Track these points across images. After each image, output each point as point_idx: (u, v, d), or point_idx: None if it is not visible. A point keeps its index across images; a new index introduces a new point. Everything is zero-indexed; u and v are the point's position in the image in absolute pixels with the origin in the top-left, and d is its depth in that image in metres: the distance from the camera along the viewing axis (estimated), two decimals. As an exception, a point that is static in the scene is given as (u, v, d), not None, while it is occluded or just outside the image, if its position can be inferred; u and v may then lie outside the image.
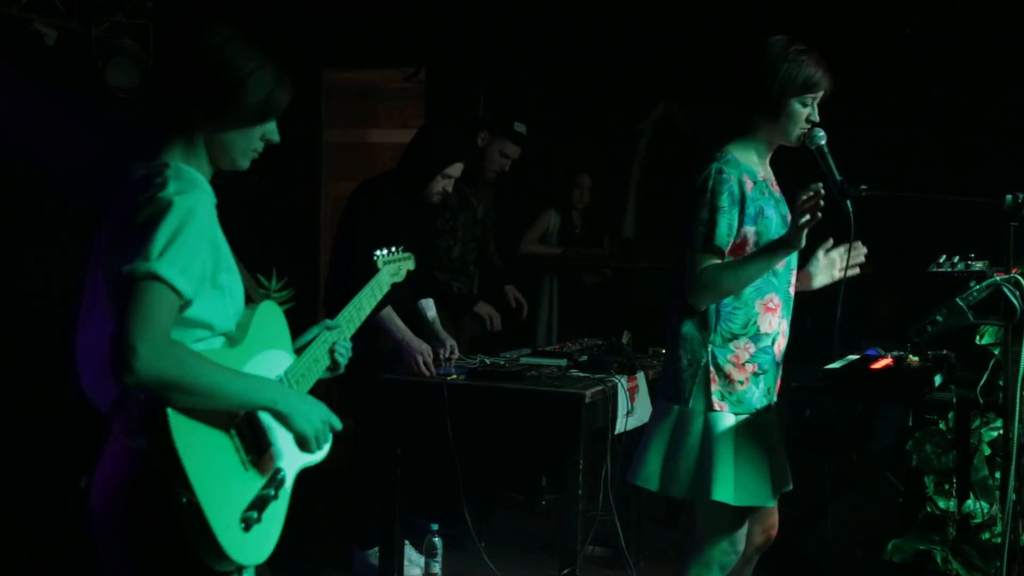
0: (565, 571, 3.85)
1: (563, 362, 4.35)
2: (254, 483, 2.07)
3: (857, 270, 3.00)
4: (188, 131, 2.12)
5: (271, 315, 2.25)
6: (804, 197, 2.69)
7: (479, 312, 5.04)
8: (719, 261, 2.85)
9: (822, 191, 2.68)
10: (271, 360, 2.20)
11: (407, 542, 4.30)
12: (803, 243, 2.76)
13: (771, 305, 2.94)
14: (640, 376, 4.27)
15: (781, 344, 2.99)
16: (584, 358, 4.35)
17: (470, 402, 4.04)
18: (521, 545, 4.84)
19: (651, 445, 3.03)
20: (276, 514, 2.12)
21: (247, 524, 2.02)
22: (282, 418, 2.10)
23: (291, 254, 6.46)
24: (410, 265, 2.89)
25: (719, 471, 2.88)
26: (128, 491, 1.97)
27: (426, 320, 4.48)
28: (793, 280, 3.01)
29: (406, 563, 4.25)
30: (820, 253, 3.07)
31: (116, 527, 2.01)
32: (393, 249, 2.82)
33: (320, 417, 2.16)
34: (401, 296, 4.27)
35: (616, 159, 6.47)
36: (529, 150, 5.44)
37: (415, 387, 4.11)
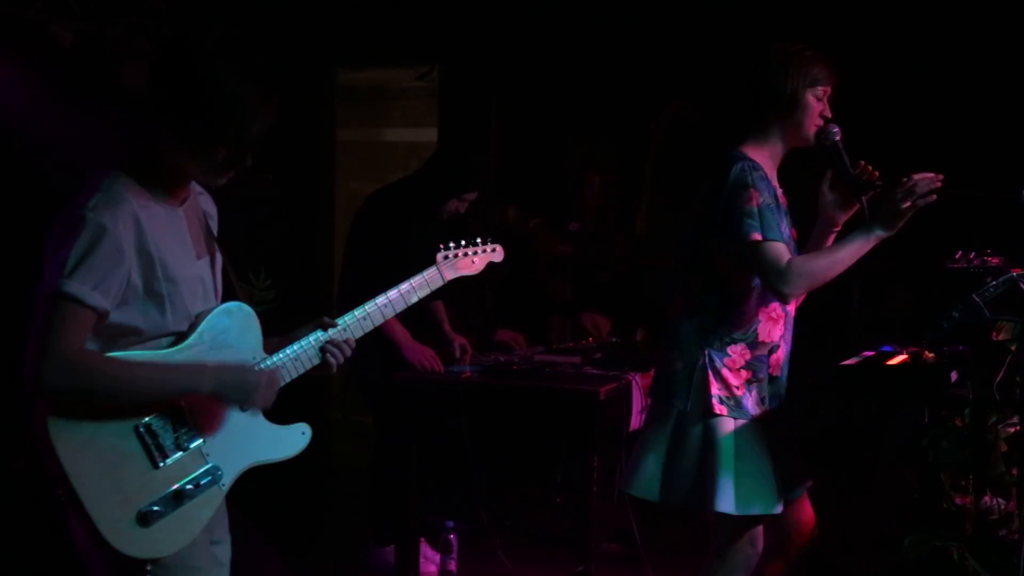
0: (580, 568, 3.86)
1: (577, 359, 4.36)
2: (165, 480, 2.12)
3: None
4: (159, 143, 2.14)
5: (235, 315, 2.26)
6: (918, 178, 2.66)
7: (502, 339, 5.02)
8: (783, 246, 2.82)
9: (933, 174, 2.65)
10: (226, 360, 2.21)
11: (423, 539, 4.31)
12: (897, 228, 2.73)
13: (774, 315, 2.93)
14: (654, 373, 4.28)
15: (780, 357, 2.97)
16: (599, 355, 4.36)
17: (485, 400, 4.06)
18: (536, 542, 4.84)
19: (647, 451, 3.01)
20: (198, 509, 2.16)
21: (146, 519, 2.07)
22: (214, 398, 2.15)
23: (306, 252, 6.48)
24: (496, 257, 2.85)
25: (720, 480, 2.86)
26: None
27: (437, 322, 4.49)
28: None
29: (422, 560, 4.27)
30: (825, 187, 3.01)
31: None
32: (462, 243, 2.77)
33: (255, 383, 2.19)
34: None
35: (628, 157, 6.46)
36: (540, 149, 5.45)
37: (431, 385, 4.13)
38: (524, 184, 6.25)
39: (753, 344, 2.92)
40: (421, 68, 7.05)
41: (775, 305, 2.92)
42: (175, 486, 2.13)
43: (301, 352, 2.34)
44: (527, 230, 5.76)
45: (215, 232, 2.34)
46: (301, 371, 2.34)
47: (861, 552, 4.05)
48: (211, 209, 2.36)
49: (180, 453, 2.14)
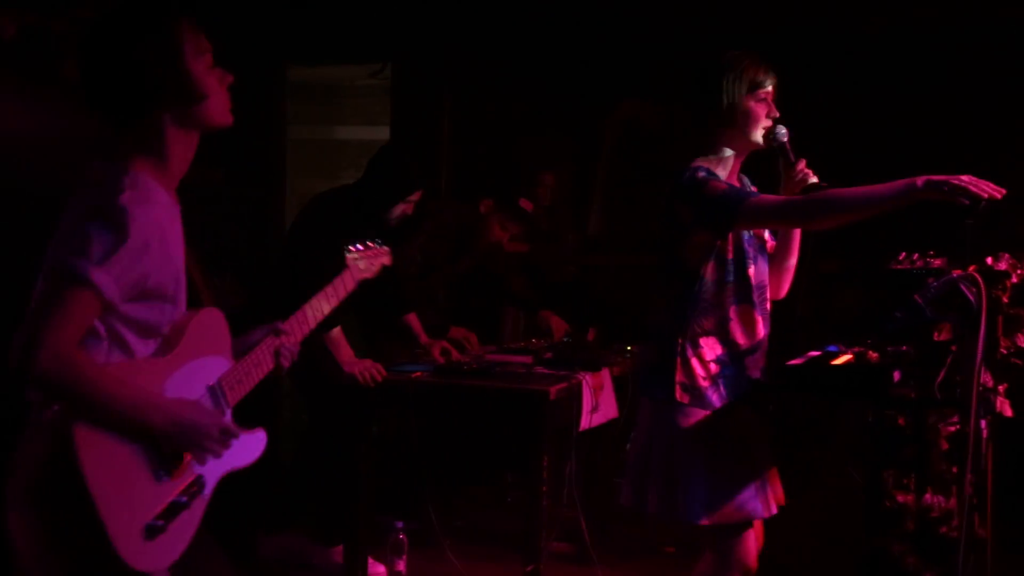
0: (530, 568, 3.86)
1: (528, 359, 4.36)
2: (167, 492, 2.10)
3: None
4: (150, 125, 2.11)
5: (210, 321, 2.25)
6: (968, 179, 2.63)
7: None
8: (771, 196, 2.86)
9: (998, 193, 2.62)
10: (205, 367, 2.21)
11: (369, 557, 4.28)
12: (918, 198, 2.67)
13: (750, 316, 2.96)
14: (605, 373, 4.29)
15: (757, 358, 2.99)
16: (549, 355, 4.37)
17: (435, 399, 4.05)
18: (486, 541, 4.84)
19: (634, 461, 3.02)
20: (187, 520, 2.15)
21: (152, 533, 2.05)
22: (163, 441, 2.08)
23: (256, 252, 6.42)
24: (386, 260, 2.87)
25: (690, 487, 2.87)
26: (42, 467, 1.99)
27: (412, 335, 4.48)
28: (769, 295, 3.04)
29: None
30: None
31: (26, 501, 2.01)
32: (368, 243, 2.80)
33: (203, 434, 2.12)
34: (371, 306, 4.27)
35: (581, 157, 6.48)
36: (493, 147, 5.45)
37: (380, 384, 4.10)
38: (477, 183, 6.25)
39: (726, 340, 2.94)
40: (374, 65, 7.02)
41: (747, 306, 2.95)
42: (172, 498, 2.11)
43: (263, 360, 2.34)
44: (478, 215, 5.73)
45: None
46: (250, 386, 2.33)
47: (807, 550, 4.10)
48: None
49: (176, 465, 2.13)
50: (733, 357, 2.95)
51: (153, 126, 2.11)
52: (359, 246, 2.77)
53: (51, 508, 1.98)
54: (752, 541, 3.00)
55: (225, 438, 2.16)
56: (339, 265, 2.68)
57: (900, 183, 2.68)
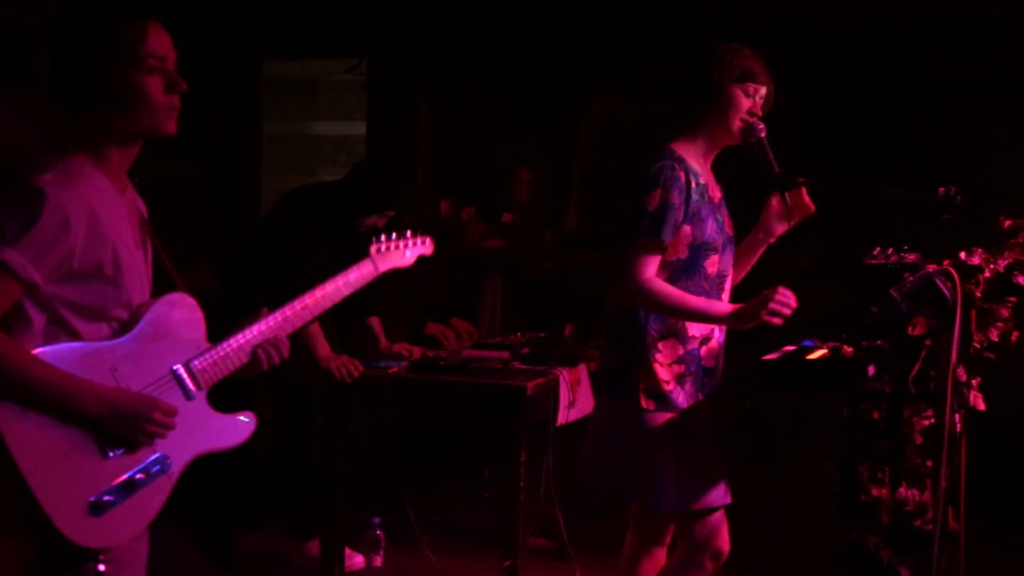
0: (507, 563, 3.86)
1: (505, 355, 4.36)
2: (116, 468, 2.09)
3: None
4: (85, 122, 2.12)
5: (179, 306, 2.24)
6: (777, 300, 2.73)
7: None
8: (659, 260, 2.86)
9: (793, 304, 2.73)
10: (169, 349, 2.20)
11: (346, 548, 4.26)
12: (746, 326, 2.81)
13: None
14: (582, 368, 4.30)
15: (713, 348, 2.99)
16: (527, 351, 4.37)
17: (412, 395, 4.04)
18: (464, 537, 4.84)
19: (591, 444, 3.06)
20: (147, 497, 2.14)
21: (98, 509, 2.05)
22: (98, 424, 2.07)
23: (231, 247, 6.39)
24: (425, 250, 2.83)
25: (659, 477, 2.89)
26: None
27: (373, 337, 4.46)
28: (728, 286, 3.04)
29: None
30: (774, 201, 3.06)
31: None
32: (398, 233, 2.75)
33: (141, 419, 2.10)
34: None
35: (558, 152, 6.48)
36: (470, 143, 5.44)
37: (356, 380, 4.09)
38: (453, 178, 6.24)
39: (683, 338, 2.93)
40: (350, 61, 6.99)
41: (704, 298, 2.95)
42: (126, 475, 2.11)
43: (242, 348, 2.30)
44: (459, 221, 5.75)
45: (147, 223, 2.31)
46: (229, 370, 2.29)
47: (782, 543, 4.12)
48: (141, 205, 2.32)
49: (125, 443, 2.12)
50: (690, 352, 2.95)
51: (93, 123, 2.12)
52: (384, 236, 2.72)
53: None
54: (722, 525, 3.01)
55: (169, 421, 2.14)
56: (326, 258, 2.65)
57: (723, 313, 2.86)
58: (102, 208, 2.09)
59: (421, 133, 6.55)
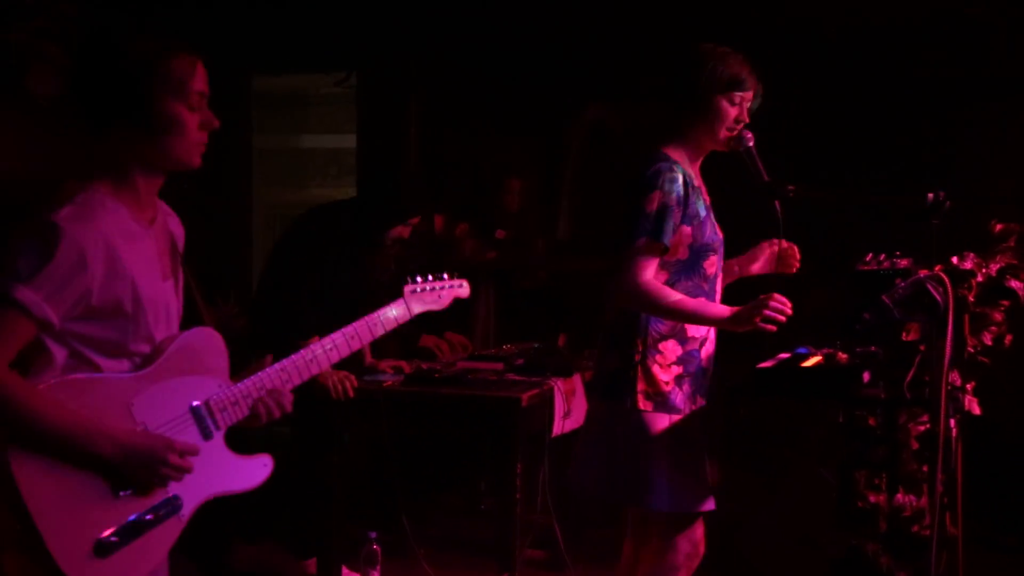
0: (504, 575, 3.85)
1: (500, 366, 4.35)
2: (125, 509, 2.06)
3: (792, 268, 3.05)
4: (115, 147, 2.09)
5: (202, 340, 2.20)
6: (772, 307, 2.74)
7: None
8: (658, 262, 2.86)
9: (788, 311, 2.74)
10: (190, 386, 2.16)
11: (344, 567, 4.24)
12: (744, 328, 2.81)
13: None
14: (577, 378, 4.29)
15: (708, 350, 3.00)
16: (521, 361, 4.36)
17: (407, 408, 4.03)
18: (460, 550, 4.82)
19: (586, 448, 3.05)
20: (155, 539, 2.10)
21: (104, 550, 2.01)
22: (111, 468, 2.03)
23: (222, 264, 6.37)
24: (462, 293, 2.79)
25: (654, 478, 2.89)
26: None
27: (359, 353, 4.42)
28: (720, 288, 3.05)
29: None
30: (765, 245, 3.10)
31: None
32: (434, 275, 2.71)
33: (157, 461, 2.06)
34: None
35: (549, 162, 6.48)
36: (460, 155, 5.43)
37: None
38: (444, 190, 6.23)
39: (683, 339, 2.94)
40: (339, 74, 6.99)
41: (702, 300, 2.95)
42: (134, 516, 2.07)
43: (254, 389, 2.25)
44: (453, 237, 5.74)
45: (181, 254, 2.28)
46: (232, 422, 2.23)
47: (779, 551, 4.11)
48: (178, 230, 2.28)
49: (138, 484, 2.08)
50: (690, 352, 2.95)
51: (123, 147, 2.09)
52: (420, 278, 2.66)
53: None
54: (701, 530, 3.01)
55: (186, 463, 2.10)
56: (364, 280, 2.59)
57: (720, 315, 2.85)
58: (121, 242, 2.04)
59: (411, 145, 6.54)
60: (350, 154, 7.12)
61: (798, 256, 3.04)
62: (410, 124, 6.46)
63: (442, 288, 2.73)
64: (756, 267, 3.14)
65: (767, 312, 2.75)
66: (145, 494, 2.09)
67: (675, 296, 2.85)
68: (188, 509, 2.16)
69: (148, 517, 2.09)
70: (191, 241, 2.31)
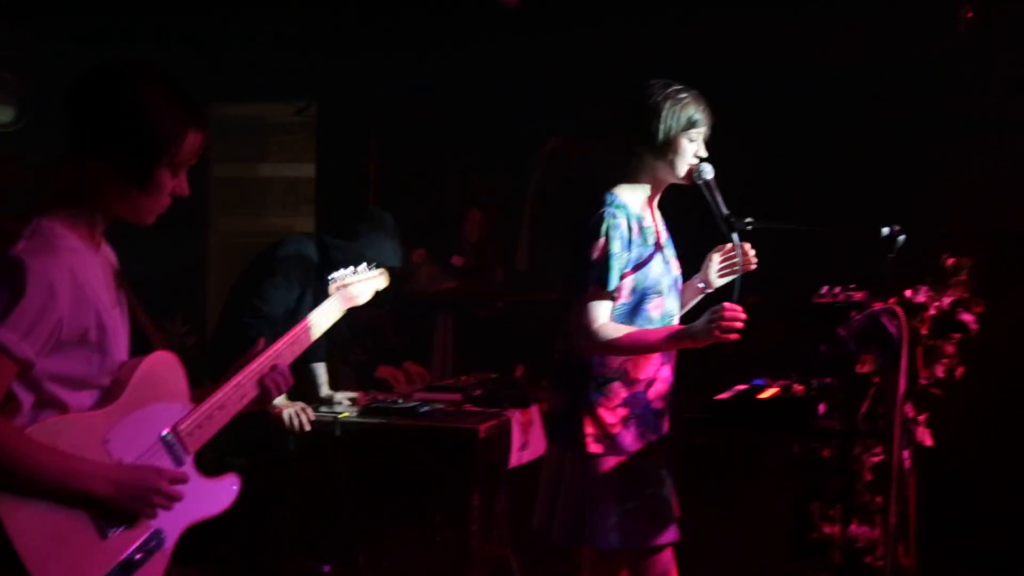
0: (460, 608, 3.82)
1: (457, 397, 4.33)
2: (117, 550, 2.02)
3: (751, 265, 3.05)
4: (84, 180, 2.04)
5: (162, 365, 2.17)
6: (727, 317, 2.73)
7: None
8: (611, 306, 2.87)
9: (742, 316, 2.74)
10: (157, 414, 2.13)
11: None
12: (705, 343, 2.80)
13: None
14: (534, 409, 4.28)
15: (659, 389, 2.99)
16: (478, 392, 4.34)
17: (363, 439, 3.99)
18: (416, 582, 4.77)
19: (542, 487, 3.05)
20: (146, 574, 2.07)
21: None
22: (105, 506, 1.99)
23: (177, 292, 6.30)
24: (381, 284, 2.81)
25: (601, 519, 2.88)
26: None
27: (315, 384, 4.38)
28: (676, 323, 3.06)
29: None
30: (715, 255, 3.11)
31: None
32: (360, 268, 2.73)
33: (150, 491, 2.04)
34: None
35: (509, 193, 6.51)
36: (420, 184, 5.43)
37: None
38: (404, 220, 6.22)
39: (628, 381, 2.94)
40: (299, 103, 6.98)
41: (660, 328, 2.95)
42: (124, 555, 2.02)
43: (231, 400, 2.24)
44: (411, 264, 5.73)
45: (123, 277, 2.23)
46: (217, 428, 2.23)
47: (736, 583, 4.12)
48: (113, 257, 2.23)
49: (125, 523, 2.04)
50: (637, 394, 2.96)
51: (89, 183, 2.04)
52: (343, 272, 2.70)
53: None
54: (672, 566, 2.99)
55: (174, 492, 2.07)
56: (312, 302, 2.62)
57: (678, 336, 2.84)
58: (82, 270, 2.00)
59: (371, 175, 6.54)
60: (309, 183, 7.09)
61: (750, 251, 3.03)
62: (370, 153, 6.46)
63: (363, 280, 2.76)
64: (717, 277, 3.12)
65: (724, 324, 2.76)
66: (134, 529, 2.04)
67: (633, 332, 2.87)
68: (171, 541, 2.13)
69: (138, 556, 2.04)
70: (146, 269, 2.29)
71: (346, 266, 4.10)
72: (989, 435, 5.00)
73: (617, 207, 2.91)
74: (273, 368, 2.31)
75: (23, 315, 1.88)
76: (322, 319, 2.55)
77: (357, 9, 5.96)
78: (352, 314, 2.81)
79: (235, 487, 2.26)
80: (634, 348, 2.88)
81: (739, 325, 2.76)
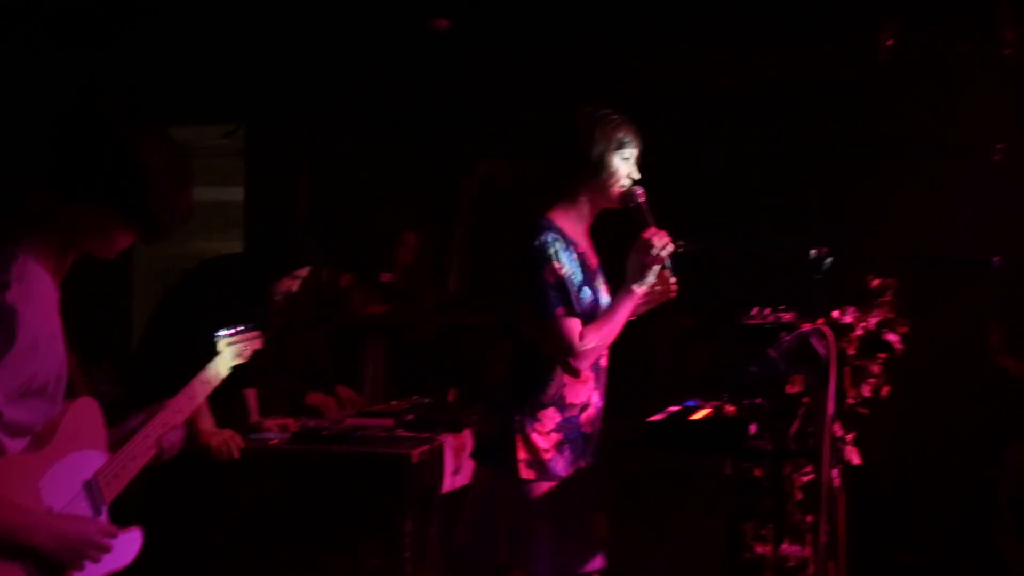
0: (394, 636, 3.77)
1: (389, 422, 4.30)
2: None
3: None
4: (69, 219, 1.98)
5: (85, 412, 2.12)
6: (655, 244, 2.82)
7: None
8: (580, 322, 2.88)
9: (665, 236, 2.83)
10: (80, 462, 2.09)
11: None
12: (647, 281, 2.88)
13: (581, 376, 2.97)
14: (467, 434, 4.27)
15: (591, 414, 3.01)
16: (411, 417, 4.32)
17: (294, 467, 3.94)
18: (348, 611, 4.70)
19: (470, 510, 3.04)
20: None
21: None
22: (44, 559, 1.95)
23: (103, 319, 6.17)
24: (258, 345, 2.81)
25: (536, 546, 2.88)
26: None
27: (245, 411, 4.32)
28: (606, 351, 3.07)
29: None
30: (632, 255, 3.12)
31: None
32: (239, 328, 2.73)
33: (87, 543, 2.01)
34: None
35: (441, 216, 6.50)
36: (352, 208, 5.39)
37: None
38: (336, 244, 6.18)
39: (562, 407, 2.94)
40: (227, 126, 6.91)
41: (611, 308, 2.96)
42: None
43: (140, 452, 2.22)
44: (339, 288, 5.69)
45: None
46: (132, 475, 2.20)
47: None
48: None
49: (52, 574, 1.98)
50: (571, 419, 2.97)
51: (72, 221, 1.99)
52: (232, 330, 2.70)
53: None
54: None
55: (107, 544, 2.03)
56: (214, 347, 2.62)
57: (630, 294, 2.93)
58: (55, 319, 1.96)
59: (301, 198, 6.49)
60: (237, 207, 7.01)
61: (670, 279, 3.06)
62: (300, 177, 6.41)
63: (247, 339, 2.75)
64: (643, 305, 3.16)
65: (653, 252, 2.82)
66: None
67: (603, 326, 2.90)
68: None
69: None
70: (70, 295, 2.22)
71: (265, 281, 4.12)
72: (914, 453, 5.11)
73: (555, 230, 2.93)
74: (171, 427, 2.28)
75: (8, 365, 1.84)
76: (214, 375, 2.55)
77: (285, 31, 5.92)
78: (283, 339, 2.79)
79: (138, 541, 2.22)
80: (613, 329, 2.92)
81: (666, 241, 2.83)
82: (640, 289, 2.91)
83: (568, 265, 2.90)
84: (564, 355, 2.87)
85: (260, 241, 4.30)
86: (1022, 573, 4.30)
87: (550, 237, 2.90)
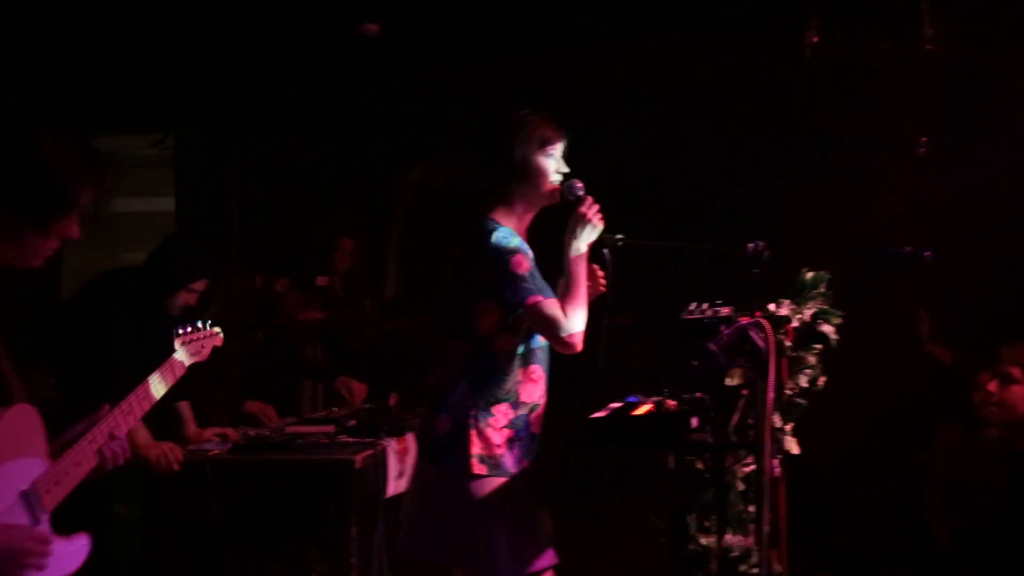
0: (341, 643, 3.75)
1: (331, 428, 4.27)
2: None
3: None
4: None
5: (22, 419, 2.08)
6: (575, 185, 2.96)
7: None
8: (557, 302, 2.93)
9: (579, 183, 2.97)
10: (16, 471, 2.04)
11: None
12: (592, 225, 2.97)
13: (534, 376, 3.02)
14: (409, 438, 4.26)
15: (539, 415, 3.06)
16: (353, 423, 4.29)
17: (235, 476, 3.90)
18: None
19: (416, 511, 3.02)
20: None
21: None
22: None
23: (29, 331, 6.03)
24: (217, 342, 2.78)
25: (494, 544, 2.89)
26: None
27: (180, 422, 4.26)
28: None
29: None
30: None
31: None
32: (198, 324, 2.69)
33: (23, 553, 1.98)
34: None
35: (378, 221, 6.47)
36: (287, 215, 5.34)
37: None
38: (270, 251, 6.12)
39: (516, 404, 2.98)
40: (155, 135, 6.80)
41: (536, 367, 3.02)
42: None
43: (84, 458, 2.18)
44: (274, 294, 5.63)
45: None
46: (74, 484, 2.16)
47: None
48: None
49: None
50: (520, 416, 3.00)
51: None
52: (188, 328, 2.66)
53: None
54: None
55: (44, 552, 2.00)
56: (156, 349, 2.57)
57: (578, 264, 3.00)
58: None
59: (232, 206, 6.41)
60: (167, 217, 6.90)
61: (599, 273, 3.11)
62: (231, 185, 6.33)
63: (204, 338, 2.73)
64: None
65: (588, 205, 2.93)
66: None
67: (571, 300, 2.94)
68: None
69: None
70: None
71: (161, 294, 4.07)
72: (850, 440, 5.21)
73: (505, 228, 2.96)
74: (111, 437, 2.24)
75: None
76: (168, 374, 2.51)
77: (212, 36, 5.85)
78: (219, 347, 2.76)
79: (86, 547, 2.19)
80: (584, 302, 2.97)
81: (582, 190, 2.93)
82: (584, 246, 2.96)
83: (529, 252, 2.95)
84: (558, 334, 2.91)
85: (154, 255, 4.24)
86: (952, 551, 4.41)
87: (507, 231, 2.94)
